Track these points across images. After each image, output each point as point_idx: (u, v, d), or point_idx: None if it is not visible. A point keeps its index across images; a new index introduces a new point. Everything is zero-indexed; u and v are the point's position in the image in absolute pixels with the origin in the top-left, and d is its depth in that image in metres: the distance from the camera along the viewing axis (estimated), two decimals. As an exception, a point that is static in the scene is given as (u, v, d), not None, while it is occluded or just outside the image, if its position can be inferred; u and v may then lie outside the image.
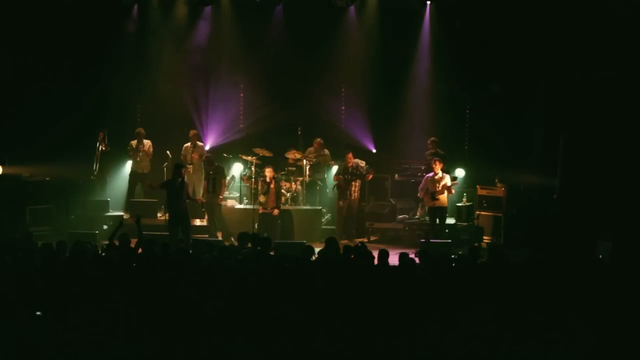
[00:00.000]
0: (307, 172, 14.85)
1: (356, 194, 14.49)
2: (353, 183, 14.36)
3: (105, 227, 14.22)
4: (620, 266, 9.41)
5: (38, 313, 7.09)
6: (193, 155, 15.41)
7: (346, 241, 13.37)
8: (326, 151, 15.39)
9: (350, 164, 14.38)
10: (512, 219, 14.15)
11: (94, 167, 15.10)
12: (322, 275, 8.39)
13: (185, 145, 15.63)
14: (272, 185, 13.72)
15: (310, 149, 15.38)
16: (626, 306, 7.59)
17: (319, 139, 15.40)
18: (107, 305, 7.21)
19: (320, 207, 14.88)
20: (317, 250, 10.36)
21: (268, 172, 13.79)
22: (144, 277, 8.16)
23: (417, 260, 9.45)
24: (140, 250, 9.82)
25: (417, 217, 14.65)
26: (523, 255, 9.74)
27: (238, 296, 7.55)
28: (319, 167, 15.26)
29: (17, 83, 15.19)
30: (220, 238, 13.66)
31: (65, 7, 15.37)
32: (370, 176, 14.58)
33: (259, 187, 14.07)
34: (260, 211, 13.77)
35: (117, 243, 10.17)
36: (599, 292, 7.90)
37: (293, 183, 14.73)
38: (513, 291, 7.93)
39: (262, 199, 13.77)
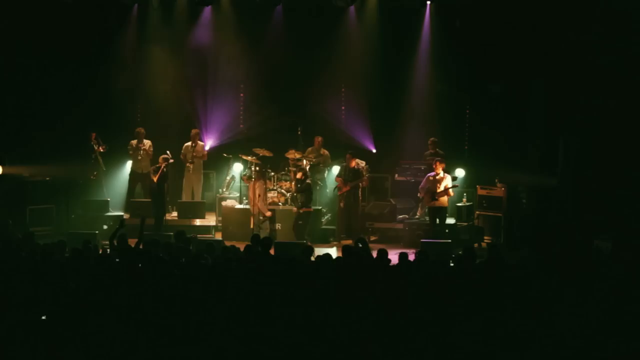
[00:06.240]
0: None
1: (358, 194, 14.49)
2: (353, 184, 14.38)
3: (105, 227, 14.24)
4: (620, 266, 9.41)
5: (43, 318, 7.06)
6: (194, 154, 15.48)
7: (350, 241, 13.34)
8: (324, 151, 15.41)
9: (352, 165, 14.36)
10: (512, 219, 14.15)
11: (95, 168, 15.09)
12: (320, 275, 8.41)
13: (186, 144, 15.63)
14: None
15: (310, 148, 15.40)
16: (625, 306, 7.61)
17: (319, 138, 15.43)
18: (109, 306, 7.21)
19: (320, 207, 14.88)
20: (316, 250, 10.31)
21: (299, 173, 13.93)
22: (144, 277, 8.17)
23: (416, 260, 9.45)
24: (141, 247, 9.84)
25: (417, 217, 14.65)
26: (523, 256, 9.74)
27: (239, 296, 7.56)
28: (318, 167, 15.27)
29: (17, 83, 15.18)
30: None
31: (65, 6, 15.36)
32: (365, 183, 14.61)
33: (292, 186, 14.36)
34: (302, 210, 13.81)
35: (116, 243, 10.17)
36: (598, 292, 7.91)
37: (292, 183, 14.76)
38: (512, 291, 7.94)
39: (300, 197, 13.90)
